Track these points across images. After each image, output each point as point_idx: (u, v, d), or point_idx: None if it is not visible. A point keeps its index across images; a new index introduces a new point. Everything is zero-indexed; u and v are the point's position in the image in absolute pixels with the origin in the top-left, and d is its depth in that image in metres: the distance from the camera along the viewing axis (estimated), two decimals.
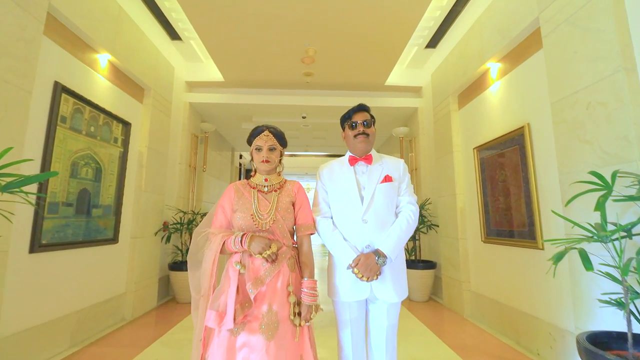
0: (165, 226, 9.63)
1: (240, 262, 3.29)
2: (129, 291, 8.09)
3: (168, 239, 9.60)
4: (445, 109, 9.49)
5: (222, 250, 3.32)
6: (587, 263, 3.25)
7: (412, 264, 9.94)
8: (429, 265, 10.09)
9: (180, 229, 9.94)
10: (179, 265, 9.68)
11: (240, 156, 20.58)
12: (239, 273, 3.27)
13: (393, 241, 3.51)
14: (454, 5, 8.67)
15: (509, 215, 6.95)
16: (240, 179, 20.37)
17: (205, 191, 13.66)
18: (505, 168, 7.07)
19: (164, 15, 9.18)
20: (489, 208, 7.64)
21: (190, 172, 11.55)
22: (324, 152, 21.17)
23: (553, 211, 4.23)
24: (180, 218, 10.24)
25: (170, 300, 9.96)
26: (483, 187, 7.84)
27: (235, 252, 3.35)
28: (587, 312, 4.77)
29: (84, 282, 6.74)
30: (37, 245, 5.57)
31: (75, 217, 6.48)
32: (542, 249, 6.02)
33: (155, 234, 9.24)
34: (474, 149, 8.14)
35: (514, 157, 6.78)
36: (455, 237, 8.88)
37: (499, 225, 7.28)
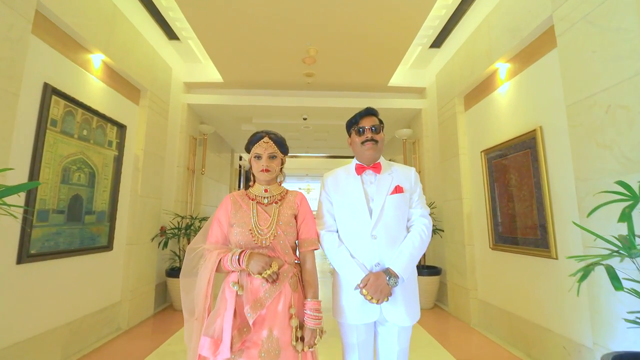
0: (163, 231, 9.40)
1: (238, 283, 2.99)
2: (125, 299, 7.84)
3: (165, 245, 9.37)
4: (451, 110, 9.24)
5: (218, 269, 3.06)
6: (616, 282, 2.97)
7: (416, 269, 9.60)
8: (434, 271, 9.86)
9: (177, 234, 9.72)
10: (177, 272, 9.35)
11: (240, 158, 20.28)
12: (237, 294, 2.98)
13: (405, 259, 3.23)
14: (460, 4, 8.40)
15: (520, 222, 6.68)
16: (240, 181, 20.17)
17: (205, 194, 13.44)
18: (515, 173, 6.81)
19: (161, 14, 8.91)
20: (497, 214, 7.37)
21: (189, 175, 11.32)
22: (325, 154, 20.90)
23: (574, 223, 3.92)
24: (178, 223, 9.97)
25: (167, 307, 9.72)
26: (491, 191, 7.58)
27: (232, 272, 3.07)
28: (607, 327, 4.50)
29: (76, 292, 6.49)
30: (25, 255, 5.29)
31: (67, 225, 6.22)
32: (556, 258, 5.74)
33: (152, 239, 9.00)
34: (481, 152, 7.88)
35: (525, 161, 6.52)
36: (462, 243, 8.62)
37: (508, 232, 7.02)
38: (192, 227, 10.02)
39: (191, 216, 10.51)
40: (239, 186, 19.53)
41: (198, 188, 12.39)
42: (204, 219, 10.73)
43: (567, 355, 5.47)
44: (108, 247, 7.32)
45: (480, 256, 8.18)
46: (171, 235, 9.57)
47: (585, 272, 3.20)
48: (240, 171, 20.49)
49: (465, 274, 8.45)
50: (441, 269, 9.98)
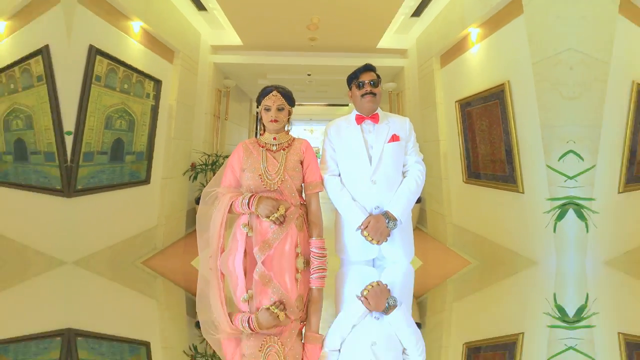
0: (193, 167, 9.15)
1: (248, 225, 2.71)
2: (160, 224, 7.62)
3: (195, 178, 9.20)
4: (429, 67, 8.78)
5: (230, 211, 2.75)
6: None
7: None
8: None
9: (205, 169, 9.49)
10: None
11: (257, 105, 20.04)
12: (247, 236, 2.71)
13: (403, 203, 2.94)
14: None
15: (490, 161, 6.33)
16: (257, 124, 19.92)
17: (228, 136, 13.10)
18: (485, 120, 6.39)
19: None
20: (470, 154, 6.99)
21: (215, 121, 11.08)
22: (326, 102, 20.85)
23: (548, 166, 3.52)
24: (206, 159, 9.69)
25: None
26: (464, 135, 7.16)
27: (243, 214, 2.76)
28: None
29: (119, 219, 6.33)
30: (72, 190, 5.09)
31: (109, 164, 5.93)
32: (523, 192, 5.40)
33: (184, 174, 8.81)
34: (455, 102, 7.42)
35: (494, 110, 6.07)
36: (439, 177, 8.30)
37: (479, 169, 6.69)
38: (217, 163, 9.76)
39: (216, 154, 10.21)
40: (256, 128, 19.29)
41: (222, 131, 12.12)
42: (227, 156, 10.36)
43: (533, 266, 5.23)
44: (146, 181, 7.05)
45: (455, 188, 7.88)
46: (200, 169, 9.37)
47: (562, 211, 2.80)
48: (257, 117, 20.27)
49: (442, 202, 8.20)
50: (421, 197, 9.60)
